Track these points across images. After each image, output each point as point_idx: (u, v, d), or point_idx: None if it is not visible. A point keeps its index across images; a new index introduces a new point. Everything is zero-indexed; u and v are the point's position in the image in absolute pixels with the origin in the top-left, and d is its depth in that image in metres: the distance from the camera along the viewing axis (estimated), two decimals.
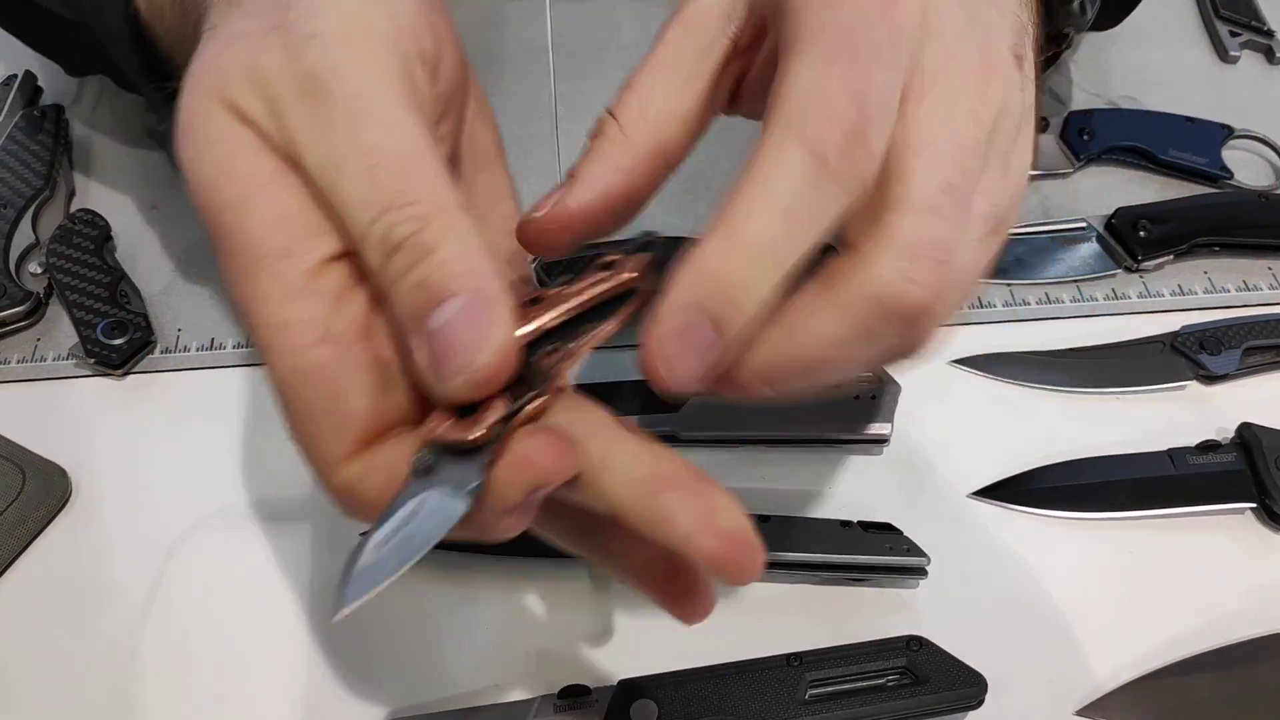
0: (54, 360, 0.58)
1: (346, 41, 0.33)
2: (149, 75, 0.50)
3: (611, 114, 0.36)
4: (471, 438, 0.31)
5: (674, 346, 0.31)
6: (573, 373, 0.33)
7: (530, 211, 0.35)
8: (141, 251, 0.63)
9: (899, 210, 0.31)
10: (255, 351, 0.58)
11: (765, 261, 0.31)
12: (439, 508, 0.31)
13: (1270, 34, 0.74)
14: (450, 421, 0.31)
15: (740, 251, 0.31)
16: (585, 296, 0.34)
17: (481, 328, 0.30)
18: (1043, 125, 0.67)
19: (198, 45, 0.36)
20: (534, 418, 0.33)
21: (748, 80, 0.37)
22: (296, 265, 0.32)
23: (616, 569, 0.38)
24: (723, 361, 0.32)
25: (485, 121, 0.41)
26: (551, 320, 0.33)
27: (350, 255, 0.33)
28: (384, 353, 0.33)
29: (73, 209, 0.64)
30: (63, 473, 0.54)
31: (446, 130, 0.38)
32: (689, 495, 0.33)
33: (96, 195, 0.66)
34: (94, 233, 0.61)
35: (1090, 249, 0.63)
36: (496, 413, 0.31)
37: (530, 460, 0.31)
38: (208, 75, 0.34)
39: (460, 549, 0.51)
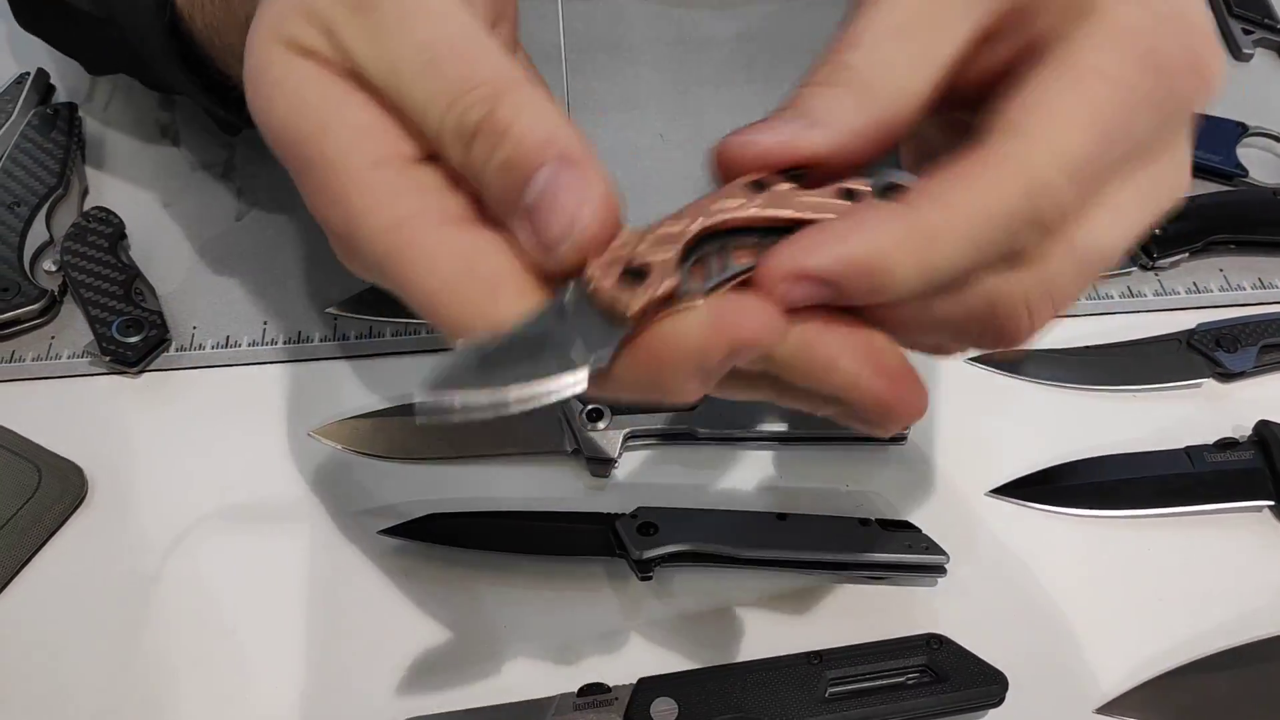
0: (69, 358, 0.58)
1: None
2: (182, 66, 0.50)
3: (849, 66, 0.33)
4: (630, 306, 0.29)
5: (799, 290, 0.30)
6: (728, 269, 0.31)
7: (746, 133, 0.33)
8: (156, 249, 0.63)
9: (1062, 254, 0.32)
10: (269, 350, 0.59)
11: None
12: (558, 370, 0.29)
13: None
14: (613, 278, 0.30)
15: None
16: (786, 212, 0.31)
17: (574, 190, 0.30)
18: None
19: (254, 14, 0.35)
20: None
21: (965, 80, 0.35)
22: (390, 170, 0.32)
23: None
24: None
25: (521, 51, 0.41)
26: (732, 218, 0.31)
27: (437, 161, 0.33)
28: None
29: (86, 207, 0.64)
30: (79, 471, 0.54)
31: (502, 35, 0.37)
32: (848, 336, 0.32)
33: (110, 193, 0.66)
34: (108, 230, 0.61)
35: None
36: (655, 288, 0.29)
37: (737, 322, 0.30)
38: (264, 23, 0.34)
39: (475, 546, 0.51)
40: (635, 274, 0.30)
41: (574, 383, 0.29)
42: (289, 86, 0.33)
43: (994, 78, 0.34)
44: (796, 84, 0.35)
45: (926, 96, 0.34)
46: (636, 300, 0.29)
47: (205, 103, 0.54)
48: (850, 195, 0.31)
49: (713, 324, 0.30)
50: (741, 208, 0.31)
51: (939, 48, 0.34)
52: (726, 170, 0.32)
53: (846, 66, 0.33)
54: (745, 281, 0.31)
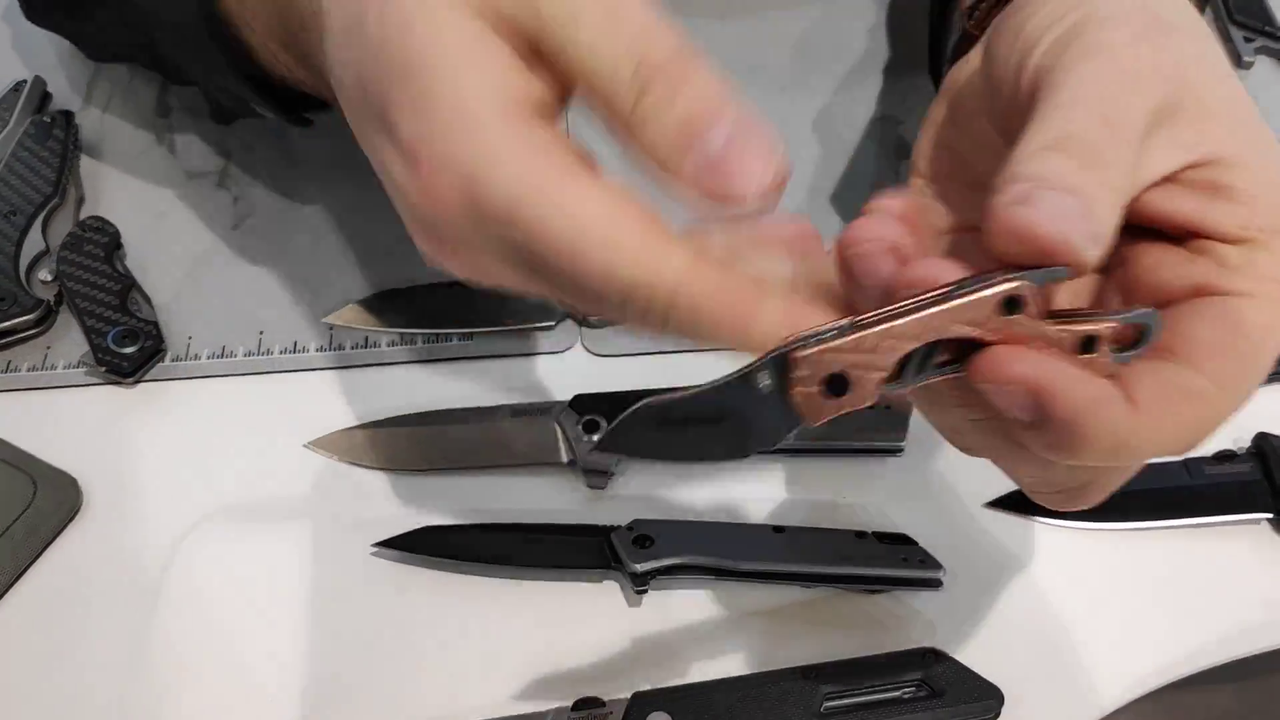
0: (64, 368, 0.58)
1: None
2: (218, 49, 0.50)
3: (1104, 152, 0.32)
4: (821, 415, 0.29)
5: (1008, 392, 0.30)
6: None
7: (1063, 235, 0.30)
8: (151, 258, 0.63)
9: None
10: (265, 360, 0.58)
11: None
12: (729, 443, 0.30)
13: None
14: (816, 384, 0.29)
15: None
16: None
17: (759, 147, 0.30)
18: None
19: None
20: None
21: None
22: (523, 118, 0.32)
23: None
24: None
25: None
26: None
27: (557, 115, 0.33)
28: None
29: (82, 216, 0.64)
30: (74, 482, 0.54)
31: None
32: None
33: (106, 201, 0.66)
34: (104, 240, 0.61)
35: None
36: (852, 406, 0.29)
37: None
38: None
39: (469, 559, 0.51)
40: (838, 384, 0.29)
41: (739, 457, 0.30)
42: (428, 18, 0.32)
43: (1159, 221, 0.34)
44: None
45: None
46: (828, 413, 0.29)
47: (233, 85, 0.54)
48: (1090, 346, 0.30)
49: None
50: (988, 334, 0.29)
51: (1153, 170, 0.33)
52: (992, 231, 0.30)
53: (1110, 166, 0.32)
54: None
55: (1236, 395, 0.32)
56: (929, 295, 0.29)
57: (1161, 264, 0.34)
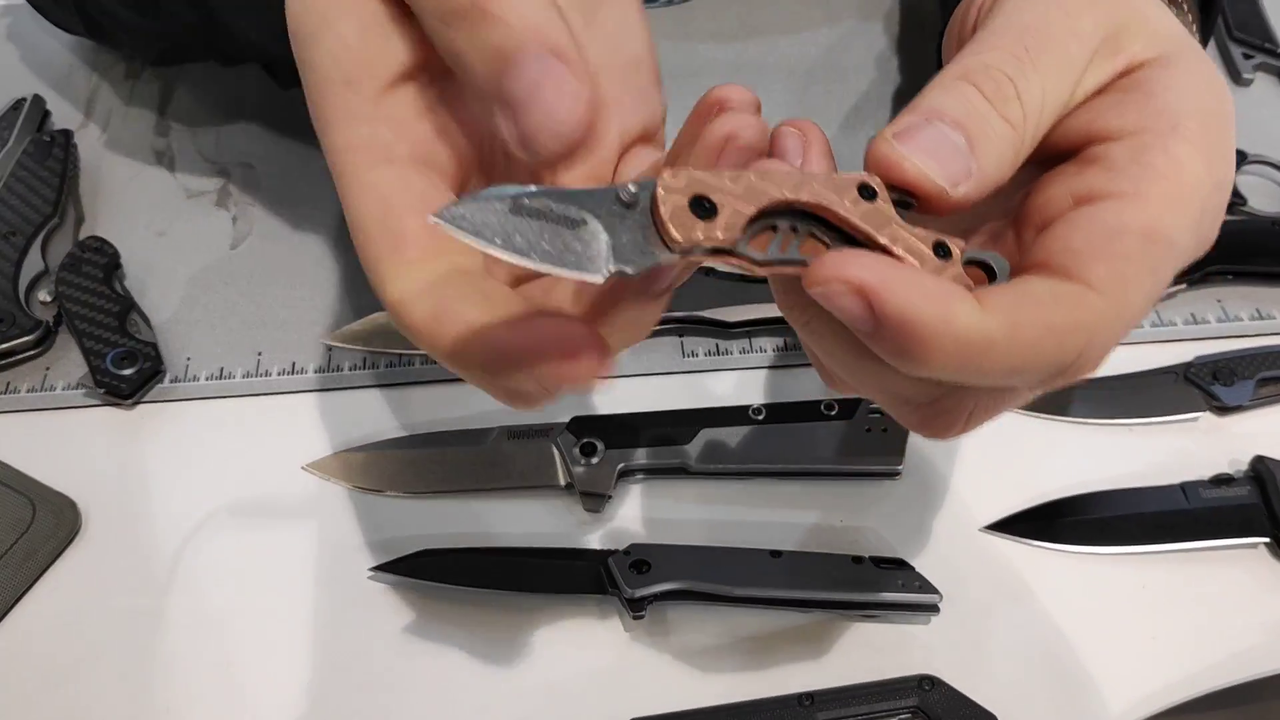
0: (63, 390, 0.58)
1: None
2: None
3: (1020, 99, 0.32)
4: (681, 238, 0.28)
5: (840, 299, 0.29)
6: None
7: (904, 143, 0.32)
8: (150, 278, 0.63)
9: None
10: (263, 381, 0.58)
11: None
12: (584, 249, 0.28)
13: None
14: (683, 201, 0.28)
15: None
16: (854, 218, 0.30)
17: (560, 84, 0.30)
18: None
19: None
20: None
21: None
22: (358, 92, 0.33)
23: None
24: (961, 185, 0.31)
25: (632, 26, 0.39)
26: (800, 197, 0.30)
27: (422, 74, 0.33)
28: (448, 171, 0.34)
29: (81, 235, 0.64)
30: (72, 505, 0.54)
31: None
32: None
33: (105, 221, 0.66)
34: (103, 260, 0.61)
35: None
36: (713, 233, 0.28)
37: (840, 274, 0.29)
38: None
39: (466, 584, 0.51)
40: (704, 208, 0.28)
41: (591, 276, 0.27)
42: None
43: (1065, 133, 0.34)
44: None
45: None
46: (691, 235, 0.28)
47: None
48: (943, 251, 0.31)
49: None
50: (842, 204, 0.30)
51: (1078, 94, 0.34)
52: (869, 164, 0.32)
53: (1020, 98, 0.32)
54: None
55: (1121, 302, 0.30)
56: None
57: (1050, 183, 0.34)
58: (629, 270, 0.28)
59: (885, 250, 0.30)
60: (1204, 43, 0.45)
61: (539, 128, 0.29)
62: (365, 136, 0.32)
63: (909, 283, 0.28)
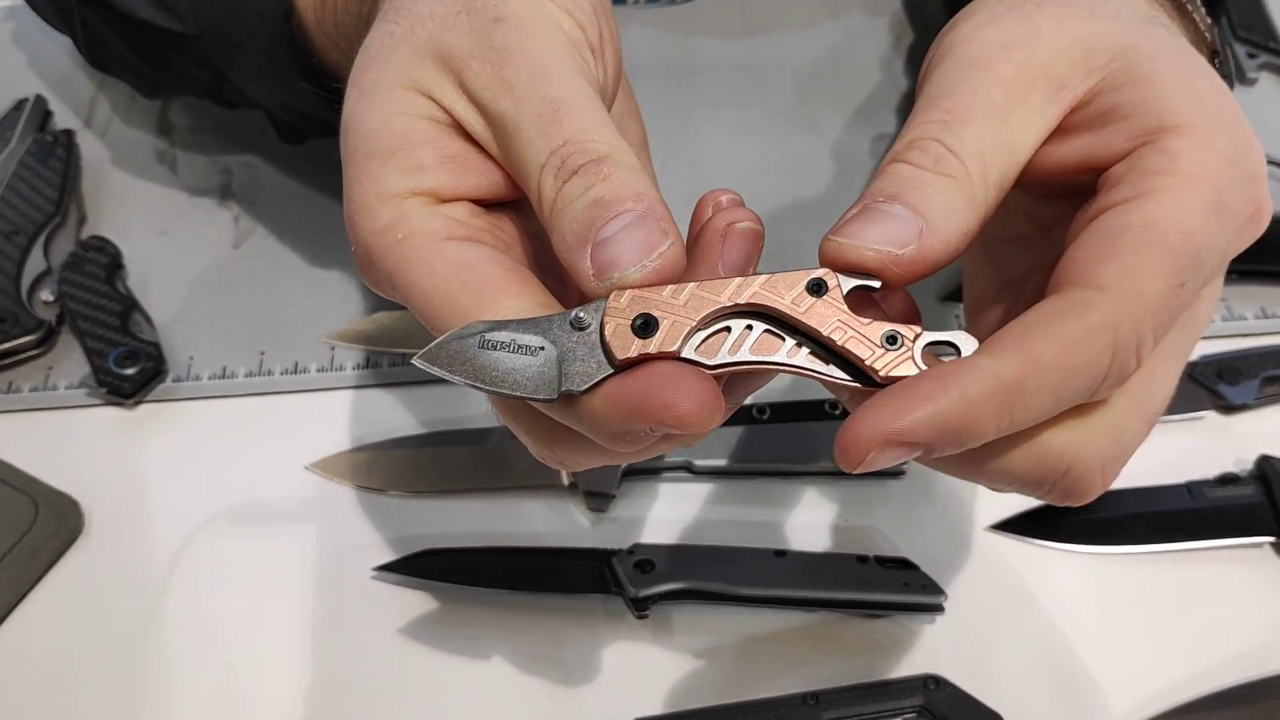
0: (66, 389, 0.58)
1: (531, 24, 0.36)
2: (299, 72, 0.52)
3: (954, 153, 0.33)
4: (620, 352, 0.31)
5: (888, 455, 0.30)
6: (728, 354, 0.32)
7: (854, 234, 0.32)
8: (152, 277, 0.63)
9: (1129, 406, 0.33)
10: (266, 381, 0.58)
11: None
12: (539, 374, 0.31)
13: None
14: (625, 320, 0.31)
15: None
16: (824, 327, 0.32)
17: (651, 234, 0.32)
18: None
19: (373, 26, 0.39)
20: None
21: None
22: (420, 200, 0.36)
23: None
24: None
25: (634, 116, 0.44)
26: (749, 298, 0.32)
27: (482, 210, 0.37)
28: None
29: (83, 235, 0.64)
30: (75, 504, 0.54)
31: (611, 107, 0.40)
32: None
33: (107, 221, 0.66)
34: (105, 260, 0.61)
35: None
36: (650, 348, 0.31)
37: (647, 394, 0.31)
38: (397, 55, 0.37)
39: (470, 583, 0.51)
40: (646, 324, 0.31)
41: (546, 397, 0.31)
42: (388, 109, 0.36)
43: (1061, 175, 0.35)
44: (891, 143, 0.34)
45: (1011, 184, 0.34)
46: (629, 351, 0.31)
47: (309, 106, 0.55)
48: (893, 340, 0.31)
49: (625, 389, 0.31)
50: (785, 303, 0.32)
51: (1031, 132, 0.34)
52: (826, 262, 0.33)
53: (953, 153, 0.33)
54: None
55: (1133, 293, 0.31)
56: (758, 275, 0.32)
57: (1075, 221, 0.34)
58: (575, 390, 0.31)
59: (830, 343, 0.31)
60: (1215, 21, 0.44)
61: (614, 263, 0.32)
62: (426, 225, 0.35)
63: (913, 398, 0.30)
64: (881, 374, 0.31)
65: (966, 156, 0.33)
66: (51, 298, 0.60)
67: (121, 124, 0.70)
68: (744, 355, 0.32)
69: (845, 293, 0.32)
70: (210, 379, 0.59)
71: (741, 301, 0.31)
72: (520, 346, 0.31)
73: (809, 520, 0.54)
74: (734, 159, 0.68)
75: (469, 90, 0.36)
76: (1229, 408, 0.57)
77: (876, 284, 0.32)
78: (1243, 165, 0.33)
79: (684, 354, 0.31)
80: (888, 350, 0.31)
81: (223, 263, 0.64)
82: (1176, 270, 0.31)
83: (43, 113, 0.69)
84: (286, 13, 0.50)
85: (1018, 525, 0.54)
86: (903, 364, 0.31)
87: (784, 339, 0.32)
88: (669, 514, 0.54)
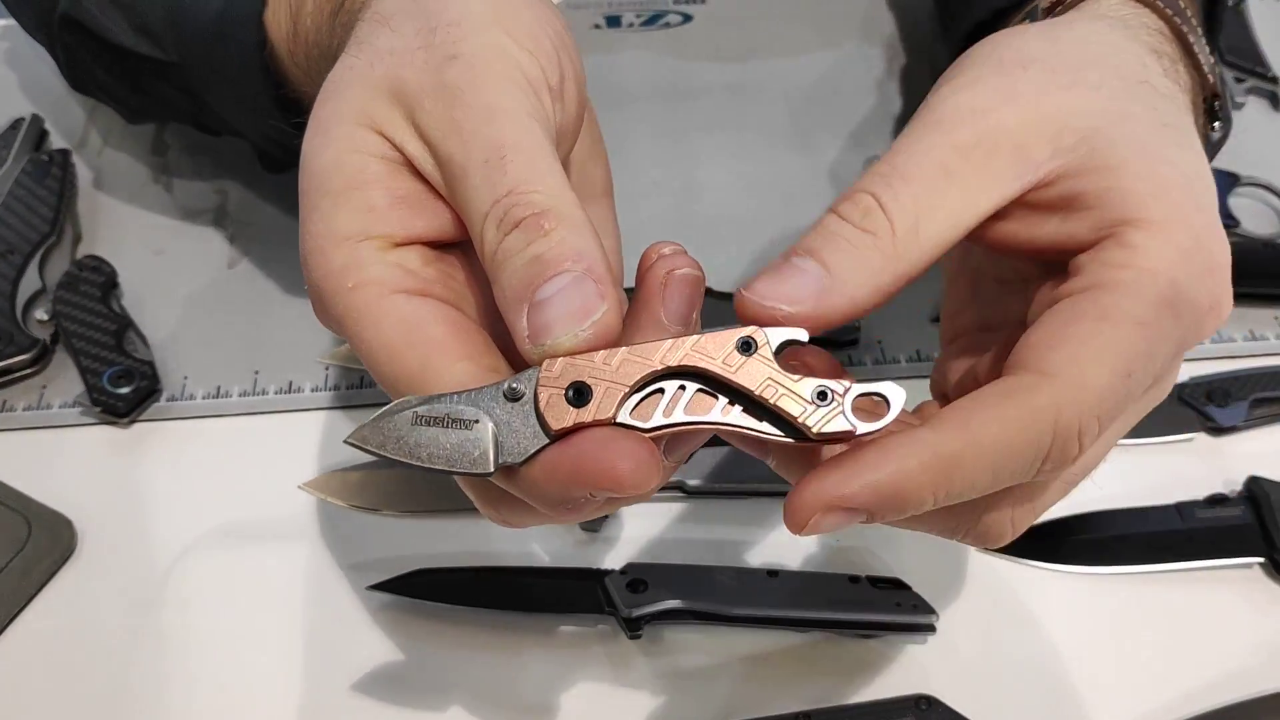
0: (60, 408, 0.58)
1: (485, 63, 0.36)
2: (274, 102, 0.52)
3: (884, 209, 0.34)
4: (556, 423, 0.31)
5: (830, 520, 0.32)
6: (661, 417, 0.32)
7: (767, 288, 0.33)
8: (147, 296, 0.63)
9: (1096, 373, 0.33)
10: (260, 400, 0.59)
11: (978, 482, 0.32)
12: (475, 448, 0.31)
13: (1275, 80, 0.74)
14: (559, 389, 0.31)
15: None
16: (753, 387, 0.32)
17: (589, 301, 0.32)
18: None
19: (339, 58, 0.39)
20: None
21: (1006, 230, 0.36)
22: (370, 245, 0.35)
23: None
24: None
25: (598, 158, 0.43)
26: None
27: (427, 245, 0.36)
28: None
29: (79, 254, 0.64)
30: (68, 523, 0.54)
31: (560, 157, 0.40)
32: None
33: (102, 240, 0.66)
34: (100, 279, 0.61)
35: None
36: (586, 417, 0.31)
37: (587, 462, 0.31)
38: (352, 90, 0.37)
39: (462, 602, 0.51)
40: (579, 392, 0.31)
41: (482, 471, 0.31)
42: (343, 146, 0.36)
43: (1035, 251, 0.36)
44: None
45: (952, 245, 0.35)
46: (564, 421, 0.31)
47: (286, 138, 0.54)
48: (823, 396, 0.32)
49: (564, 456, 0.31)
50: (716, 363, 0.32)
51: (982, 198, 0.35)
52: (745, 320, 0.33)
53: (884, 210, 0.34)
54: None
55: (1078, 382, 0.32)
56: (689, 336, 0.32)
57: (1036, 298, 0.35)
58: (513, 462, 0.31)
59: (762, 401, 0.32)
60: (1214, 45, 0.45)
61: (549, 327, 0.32)
62: (377, 274, 0.35)
63: (855, 468, 0.31)
64: (814, 431, 0.32)
65: (896, 214, 0.34)
66: (46, 317, 0.61)
67: (117, 144, 0.70)
68: (678, 416, 0.32)
69: (775, 348, 0.32)
70: (204, 398, 0.59)
71: (673, 364, 0.32)
72: (454, 421, 0.31)
73: (801, 540, 0.54)
74: (727, 181, 0.69)
75: (420, 129, 0.36)
76: (1218, 430, 0.58)
77: (804, 337, 0.33)
78: (1201, 259, 0.34)
79: (619, 419, 0.31)
80: (819, 406, 0.32)
81: (217, 283, 0.64)
82: (1124, 362, 0.32)
83: (39, 132, 0.69)
84: (260, 43, 0.50)
85: (1009, 546, 0.53)
86: (834, 419, 0.32)
87: (717, 398, 0.32)
88: (662, 534, 0.55)
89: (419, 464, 0.31)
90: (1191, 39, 0.43)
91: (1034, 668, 0.51)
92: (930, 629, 0.50)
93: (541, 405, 0.31)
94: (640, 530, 0.55)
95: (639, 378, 0.31)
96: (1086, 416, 0.32)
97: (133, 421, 0.58)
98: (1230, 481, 0.56)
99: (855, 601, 0.50)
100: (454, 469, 0.31)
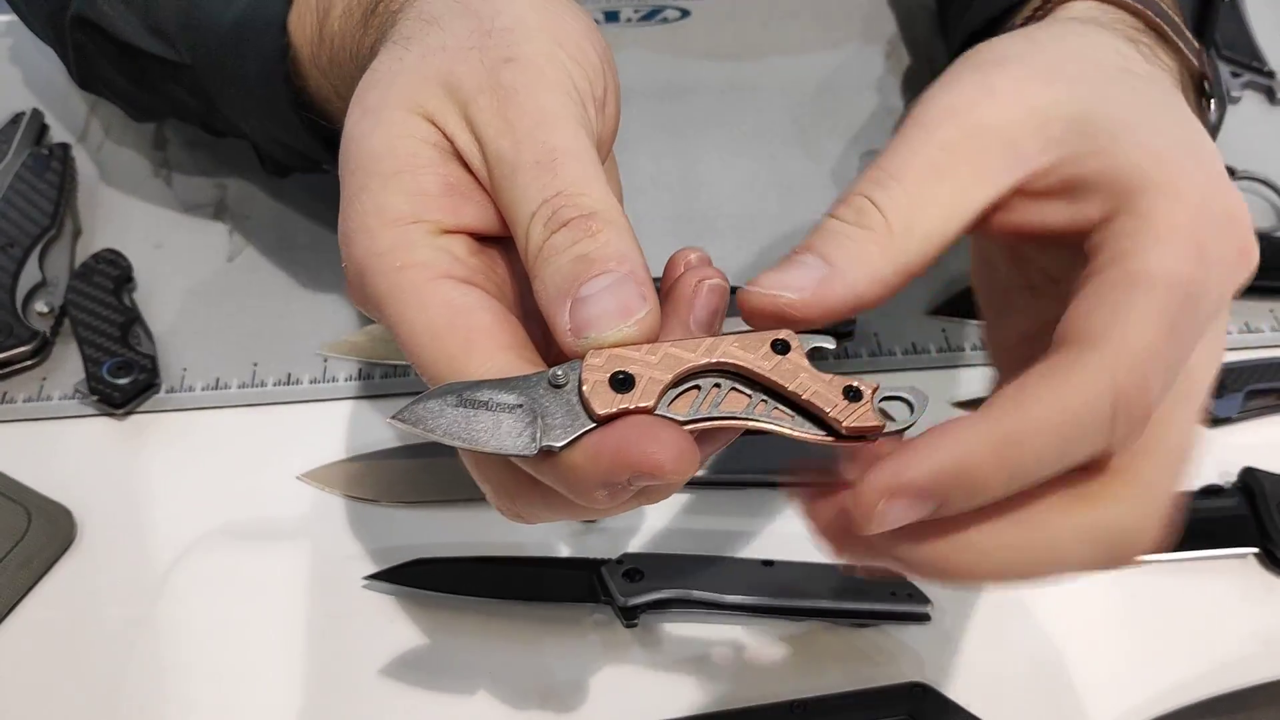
0: (60, 400, 0.59)
1: (539, 69, 0.37)
2: (294, 106, 0.52)
3: (878, 207, 0.35)
4: (600, 408, 0.31)
5: (896, 508, 0.31)
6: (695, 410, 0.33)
7: (769, 284, 0.34)
8: (147, 290, 0.63)
9: (1156, 463, 0.33)
10: (259, 392, 0.59)
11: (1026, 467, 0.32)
12: (517, 431, 0.32)
13: (1271, 74, 0.74)
14: (604, 377, 0.32)
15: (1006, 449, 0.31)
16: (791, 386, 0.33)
17: (630, 298, 0.32)
18: None
19: (379, 53, 0.40)
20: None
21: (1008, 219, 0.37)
22: (419, 228, 0.36)
23: None
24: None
25: (613, 168, 0.44)
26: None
27: (479, 247, 0.37)
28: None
29: (80, 248, 0.65)
30: (68, 514, 0.54)
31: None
32: None
33: (102, 234, 0.66)
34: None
35: None
36: (630, 403, 0.32)
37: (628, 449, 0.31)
38: (405, 79, 0.38)
39: (460, 592, 0.52)
40: (623, 381, 0.32)
41: (526, 451, 0.32)
42: (394, 131, 0.37)
43: (1036, 237, 0.36)
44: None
45: (952, 240, 0.35)
46: (609, 406, 0.32)
47: (299, 142, 0.55)
48: (852, 394, 0.33)
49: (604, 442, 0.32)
50: (754, 361, 0.33)
51: (975, 192, 0.36)
52: (749, 317, 0.34)
53: (878, 208, 0.35)
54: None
55: (1125, 342, 0.31)
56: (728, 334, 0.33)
57: (1073, 291, 0.35)
58: (556, 445, 0.31)
59: (795, 398, 0.33)
60: (1206, 45, 0.46)
61: (591, 324, 0.32)
62: (425, 258, 0.35)
63: (912, 454, 0.31)
64: (845, 426, 0.32)
65: (890, 210, 0.35)
66: (46, 309, 0.61)
67: (117, 138, 0.71)
68: (714, 411, 0.33)
69: (806, 351, 0.33)
70: (204, 390, 0.59)
71: (713, 360, 0.33)
72: (497, 404, 0.32)
73: (797, 530, 0.54)
74: (726, 178, 0.69)
75: (472, 123, 0.36)
76: (1213, 421, 0.58)
77: (830, 344, 0.34)
78: (1215, 207, 0.34)
79: (658, 410, 0.32)
80: (850, 403, 0.32)
81: (217, 276, 0.64)
82: (1167, 316, 0.32)
83: (39, 126, 0.70)
84: (283, 48, 0.51)
85: None
86: (864, 416, 0.32)
87: (750, 395, 0.33)
88: (658, 524, 0.55)
89: (461, 444, 0.32)
90: (1166, 26, 0.43)
91: (1028, 656, 0.51)
92: (925, 618, 0.50)
93: (586, 390, 0.32)
94: (636, 520, 0.55)
95: (679, 372, 0.32)
96: (1142, 374, 0.32)
97: (129, 413, 0.58)
98: (1225, 473, 0.56)
99: (850, 591, 0.50)
100: (496, 450, 0.32)
